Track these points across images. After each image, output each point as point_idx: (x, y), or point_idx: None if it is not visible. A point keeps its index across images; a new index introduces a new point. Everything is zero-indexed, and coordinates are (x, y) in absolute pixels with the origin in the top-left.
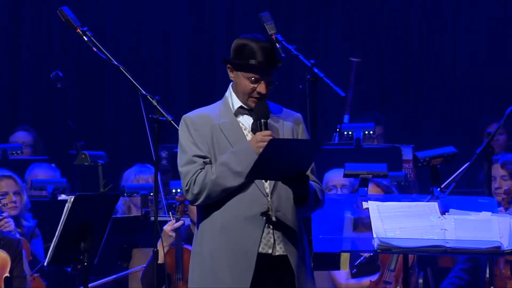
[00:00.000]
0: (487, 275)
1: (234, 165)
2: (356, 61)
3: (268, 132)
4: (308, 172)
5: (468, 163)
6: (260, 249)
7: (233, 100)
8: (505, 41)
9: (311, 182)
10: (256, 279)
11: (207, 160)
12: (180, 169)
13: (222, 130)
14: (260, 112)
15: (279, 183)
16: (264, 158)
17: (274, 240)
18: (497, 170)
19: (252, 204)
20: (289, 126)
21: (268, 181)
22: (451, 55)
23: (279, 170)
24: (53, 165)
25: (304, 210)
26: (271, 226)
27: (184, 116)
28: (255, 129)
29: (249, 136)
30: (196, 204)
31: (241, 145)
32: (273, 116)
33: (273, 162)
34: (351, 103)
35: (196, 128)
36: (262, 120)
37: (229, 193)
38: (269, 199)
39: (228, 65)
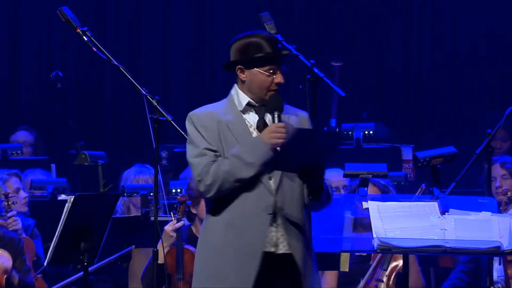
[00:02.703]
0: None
1: (246, 156)
2: (338, 65)
3: (282, 124)
4: None
5: (468, 163)
6: (264, 248)
7: (240, 98)
8: (506, 39)
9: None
10: (260, 278)
11: (218, 154)
12: (190, 160)
13: (228, 127)
14: (274, 104)
15: (284, 179)
16: (287, 147)
17: (278, 238)
18: (497, 170)
19: (258, 201)
20: (294, 123)
21: (273, 178)
22: (452, 55)
23: (298, 161)
24: (53, 166)
25: (316, 206)
26: (275, 224)
27: (190, 114)
28: (260, 126)
29: (254, 134)
30: (209, 195)
31: (251, 137)
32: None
33: (294, 152)
34: (336, 107)
35: (203, 124)
36: (276, 113)
37: (235, 191)
38: (275, 196)
39: (239, 67)
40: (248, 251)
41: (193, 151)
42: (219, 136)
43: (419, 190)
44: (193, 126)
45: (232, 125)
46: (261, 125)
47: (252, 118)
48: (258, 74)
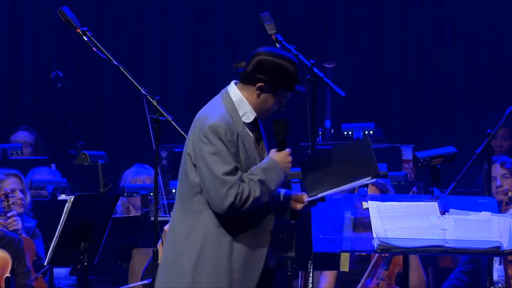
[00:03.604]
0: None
1: (270, 184)
2: (331, 67)
3: (289, 151)
4: None
5: (468, 163)
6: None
7: (247, 110)
8: (506, 39)
9: None
10: None
11: (240, 172)
12: (221, 176)
13: (243, 141)
14: (280, 128)
15: None
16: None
17: (267, 254)
18: (497, 169)
19: (263, 220)
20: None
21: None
22: (452, 54)
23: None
24: (53, 166)
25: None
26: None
27: (214, 125)
28: (258, 139)
29: (254, 151)
30: (229, 214)
31: (270, 163)
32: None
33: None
34: (331, 108)
35: (229, 139)
36: (280, 138)
37: None
38: (273, 215)
39: (262, 85)
40: (254, 266)
41: (223, 167)
42: (238, 150)
43: (411, 192)
44: (219, 139)
45: (244, 139)
46: (259, 138)
47: (250, 132)
48: (274, 99)
